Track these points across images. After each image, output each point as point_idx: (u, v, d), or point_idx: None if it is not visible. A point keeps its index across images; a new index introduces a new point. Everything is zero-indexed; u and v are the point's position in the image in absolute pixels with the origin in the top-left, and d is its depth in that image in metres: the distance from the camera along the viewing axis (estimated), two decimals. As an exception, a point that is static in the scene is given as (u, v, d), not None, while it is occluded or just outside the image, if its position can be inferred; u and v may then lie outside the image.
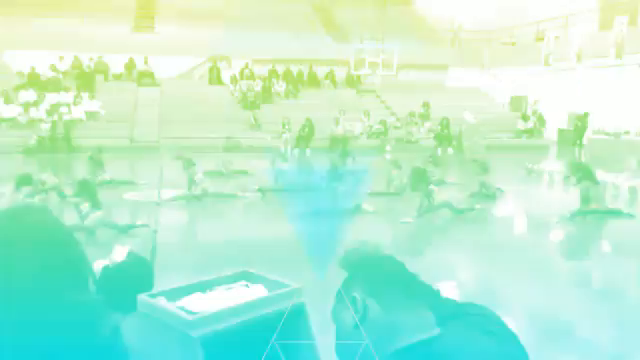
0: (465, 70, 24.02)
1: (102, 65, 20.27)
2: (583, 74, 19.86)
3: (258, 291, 2.40)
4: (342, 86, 22.60)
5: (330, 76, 22.57)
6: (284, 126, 17.70)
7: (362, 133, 18.84)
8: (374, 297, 1.14)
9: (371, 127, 19.05)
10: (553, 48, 19.58)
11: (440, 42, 26.01)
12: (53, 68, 19.05)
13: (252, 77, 21.10)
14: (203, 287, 1.99)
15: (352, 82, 22.66)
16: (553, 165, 14.72)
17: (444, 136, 18.12)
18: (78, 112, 17.35)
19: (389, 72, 21.10)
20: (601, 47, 16.90)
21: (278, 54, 21.82)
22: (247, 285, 2.31)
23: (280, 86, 21.28)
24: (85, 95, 18.11)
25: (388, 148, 18.26)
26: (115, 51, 19.96)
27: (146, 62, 20.43)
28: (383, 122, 19.10)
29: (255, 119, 18.57)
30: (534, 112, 21.81)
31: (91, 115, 17.60)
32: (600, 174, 9.87)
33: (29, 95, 17.57)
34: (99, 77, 19.88)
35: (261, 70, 21.82)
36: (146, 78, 20.25)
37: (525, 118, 21.12)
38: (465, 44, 25.54)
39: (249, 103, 19.58)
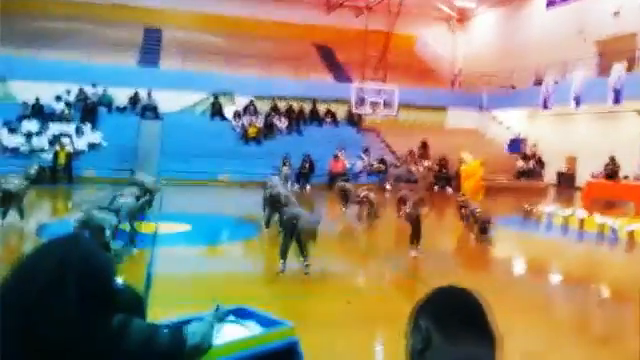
0: (464, 111, 24.32)
1: (107, 97, 20.56)
2: (581, 119, 20.13)
3: (249, 328, 2.39)
4: (343, 124, 22.87)
5: (331, 114, 22.84)
6: (285, 162, 17.82)
7: (362, 170, 18.94)
8: (439, 327, 1.17)
9: (371, 165, 19.18)
10: (552, 92, 19.88)
11: (440, 84, 26.45)
12: (58, 99, 19.32)
13: (255, 113, 21.36)
14: (189, 323, 1.98)
15: (353, 120, 22.93)
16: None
17: (442, 175, 18.21)
18: (80, 143, 17.49)
19: (390, 112, 21.35)
20: (599, 92, 17.17)
21: (280, 92, 22.17)
22: (238, 322, 2.30)
23: (282, 122, 21.52)
24: (87, 126, 18.28)
25: (388, 187, 18.32)
26: (120, 84, 20.27)
27: (150, 95, 20.73)
28: (383, 160, 19.26)
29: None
30: (533, 154, 21.99)
31: (92, 146, 17.73)
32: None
33: (32, 125, 17.76)
34: (103, 109, 20.14)
35: (264, 107, 22.15)
36: (149, 111, 20.49)
37: (525, 158, 21.27)
38: (464, 86, 25.95)
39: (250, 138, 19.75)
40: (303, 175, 17.88)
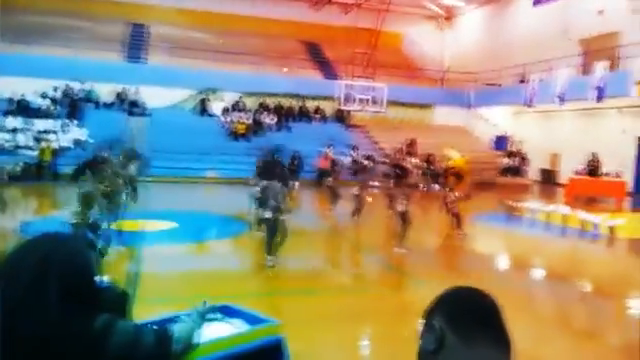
0: (451, 109, 24.42)
1: (93, 94, 20.34)
2: (565, 116, 20.33)
3: (236, 326, 2.39)
4: (332, 121, 22.85)
5: (320, 111, 22.83)
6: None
7: (350, 167, 18.92)
8: (453, 328, 1.13)
9: (359, 162, 19.16)
10: (536, 90, 20.05)
11: (427, 81, 26.55)
12: (44, 96, 19.08)
13: (244, 109, 21.29)
14: (174, 321, 1.98)
15: (341, 117, 22.93)
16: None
17: (431, 172, 18.29)
18: (66, 140, 17.30)
19: (379, 109, 21.38)
20: (583, 90, 17.34)
21: (269, 88, 22.11)
22: (224, 319, 2.30)
23: (271, 119, 21.47)
24: (73, 123, 18.07)
25: (376, 184, 18.32)
26: (107, 80, 20.06)
27: (137, 92, 20.53)
28: (370, 157, 19.27)
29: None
30: (518, 151, 22.17)
31: (78, 143, 17.56)
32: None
33: (17, 122, 17.52)
34: (90, 105, 19.90)
35: (252, 103, 22.06)
36: (136, 108, 20.33)
37: (510, 155, 21.45)
38: (452, 84, 26.07)
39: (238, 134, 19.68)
40: (291, 172, 17.84)
